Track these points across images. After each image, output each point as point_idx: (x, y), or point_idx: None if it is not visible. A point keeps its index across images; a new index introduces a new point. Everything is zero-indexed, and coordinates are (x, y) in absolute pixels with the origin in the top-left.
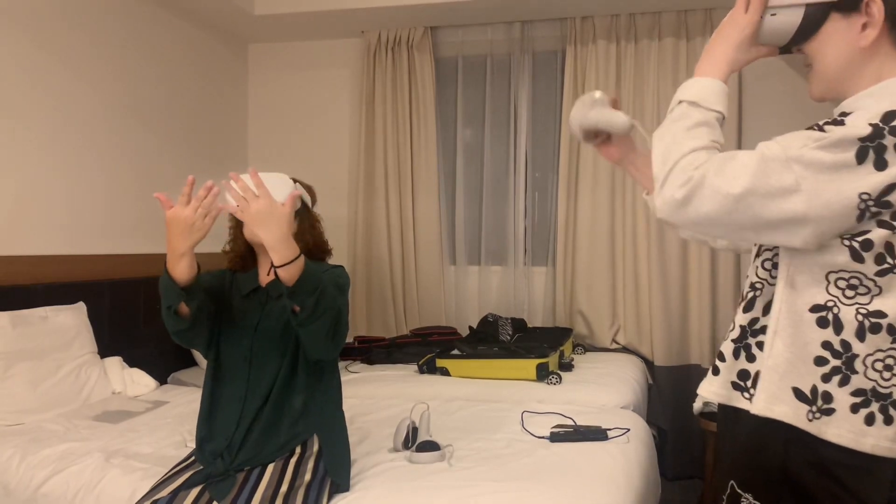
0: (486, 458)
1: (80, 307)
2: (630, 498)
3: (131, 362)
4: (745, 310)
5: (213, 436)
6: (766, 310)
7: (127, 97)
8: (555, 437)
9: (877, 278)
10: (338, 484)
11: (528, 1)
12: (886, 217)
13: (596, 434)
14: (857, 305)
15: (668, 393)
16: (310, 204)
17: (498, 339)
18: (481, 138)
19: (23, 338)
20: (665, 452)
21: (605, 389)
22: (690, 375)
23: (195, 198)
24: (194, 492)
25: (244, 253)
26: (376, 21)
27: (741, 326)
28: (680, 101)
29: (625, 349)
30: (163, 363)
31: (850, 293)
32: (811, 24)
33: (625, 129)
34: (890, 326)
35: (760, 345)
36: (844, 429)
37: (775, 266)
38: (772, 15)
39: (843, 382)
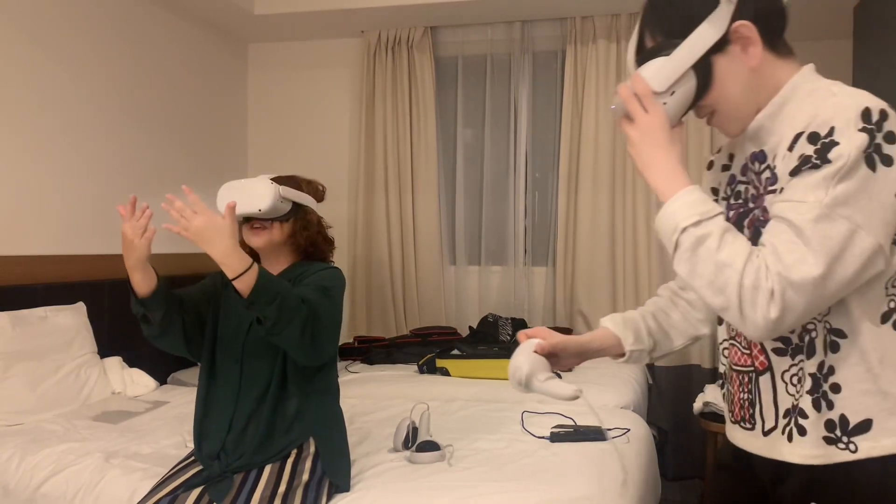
0: (486, 458)
1: (80, 307)
2: (630, 498)
3: (131, 362)
4: (809, 355)
5: (207, 438)
6: (827, 348)
7: (126, 97)
8: (555, 437)
9: None
10: (337, 484)
11: (528, 1)
12: None
13: (596, 434)
14: None
15: (668, 393)
16: (309, 203)
17: (498, 339)
18: (481, 138)
19: (22, 338)
20: (665, 452)
21: (605, 389)
22: (691, 375)
23: (133, 217)
24: (194, 493)
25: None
26: (376, 21)
27: (812, 375)
28: (684, 229)
29: None
30: (163, 363)
31: None
32: (705, 79)
33: (572, 399)
34: None
35: (834, 387)
36: None
37: None
38: (671, 94)
39: None
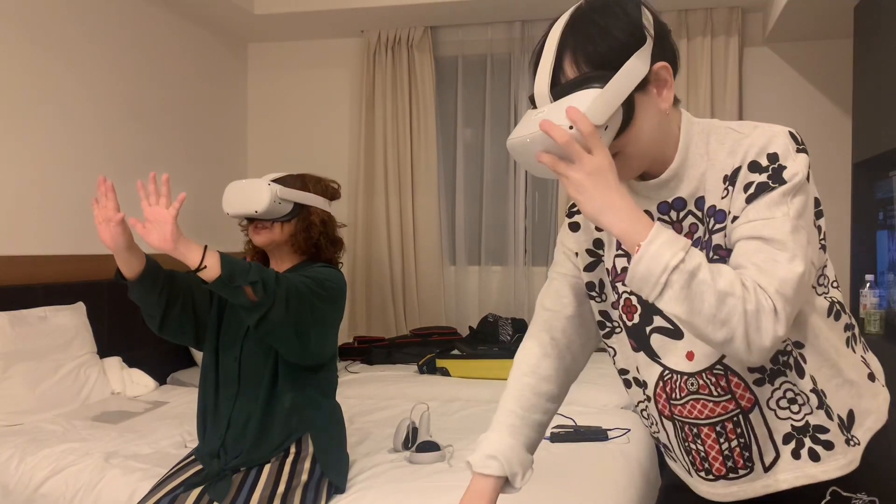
0: None
1: (80, 307)
2: (630, 498)
3: (131, 362)
4: (800, 375)
5: (207, 436)
6: (802, 362)
7: (126, 96)
8: (555, 438)
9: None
10: (336, 485)
11: (528, 1)
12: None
13: (596, 434)
14: (828, 284)
15: None
16: (315, 203)
17: (498, 339)
18: (481, 138)
19: (22, 338)
20: None
21: (605, 389)
22: None
23: (101, 201)
24: (194, 493)
25: (255, 255)
26: (376, 20)
27: (813, 391)
28: (673, 269)
29: None
30: (162, 363)
31: (823, 280)
32: (628, 116)
33: None
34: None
35: (823, 394)
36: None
37: None
38: (605, 129)
39: (857, 341)
